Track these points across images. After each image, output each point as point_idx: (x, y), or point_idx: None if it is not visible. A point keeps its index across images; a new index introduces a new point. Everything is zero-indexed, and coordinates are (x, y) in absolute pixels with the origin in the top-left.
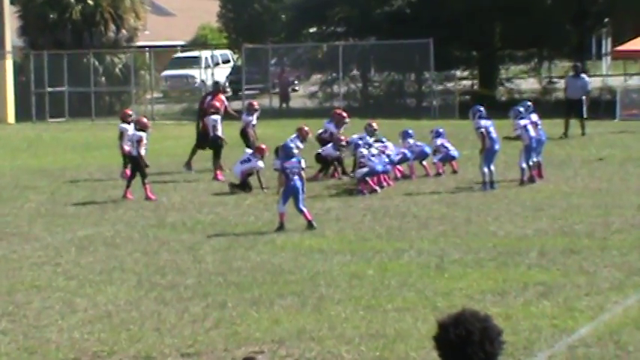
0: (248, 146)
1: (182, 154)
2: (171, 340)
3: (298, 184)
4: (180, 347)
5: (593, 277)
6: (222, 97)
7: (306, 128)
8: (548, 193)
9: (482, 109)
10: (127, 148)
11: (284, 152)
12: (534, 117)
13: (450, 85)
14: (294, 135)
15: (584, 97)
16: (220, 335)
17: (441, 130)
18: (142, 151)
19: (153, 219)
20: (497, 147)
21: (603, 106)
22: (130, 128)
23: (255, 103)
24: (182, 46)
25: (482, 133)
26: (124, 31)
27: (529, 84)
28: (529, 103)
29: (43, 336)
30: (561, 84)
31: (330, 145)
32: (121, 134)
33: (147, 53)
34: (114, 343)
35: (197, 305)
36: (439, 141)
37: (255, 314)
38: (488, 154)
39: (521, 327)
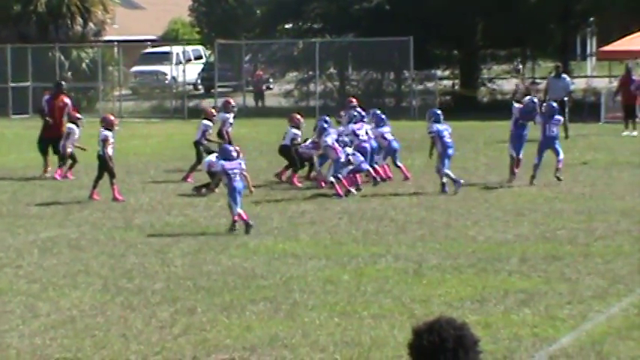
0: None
1: (151, 153)
2: (138, 347)
3: (240, 185)
4: (147, 354)
5: (575, 284)
6: (66, 99)
7: (297, 115)
8: (530, 198)
9: (439, 112)
10: (69, 149)
11: (224, 154)
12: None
13: (430, 84)
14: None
15: (566, 99)
16: (189, 342)
17: (383, 116)
18: (110, 151)
19: (120, 221)
20: (450, 152)
21: (587, 109)
22: (78, 131)
23: (232, 100)
24: (152, 41)
25: (433, 137)
26: (91, 25)
27: (511, 84)
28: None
29: (4, 342)
30: (544, 85)
31: (309, 141)
32: (68, 134)
33: (115, 48)
34: (78, 350)
35: (165, 310)
36: (383, 129)
37: (225, 320)
38: (443, 158)
39: (501, 336)
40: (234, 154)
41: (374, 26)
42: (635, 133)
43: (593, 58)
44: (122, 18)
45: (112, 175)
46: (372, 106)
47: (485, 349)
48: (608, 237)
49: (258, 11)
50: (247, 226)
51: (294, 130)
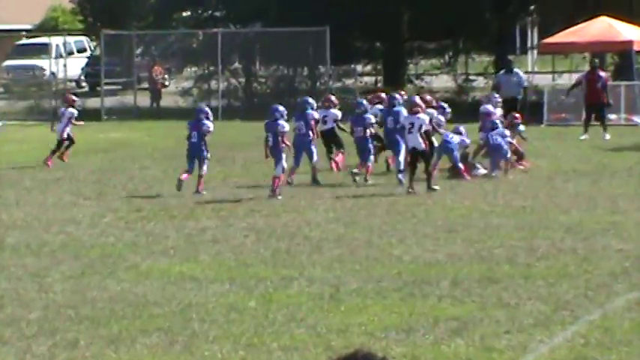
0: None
1: (26, 160)
2: None
3: None
4: None
5: (514, 311)
6: None
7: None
8: (464, 211)
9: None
10: (67, 131)
11: None
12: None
13: (349, 82)
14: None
15: (519, 97)
16: None
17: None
18: None
19: None
20: None
21: (528, 109)
22: (75, 113)
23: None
24: (28, 30)
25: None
26: None
27: (442, 81)
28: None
29: None
30: (479, 82)
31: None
32: (69, 119)
33: None
34: None
35: (42, 344)
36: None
37: (112, 355)
38: None
39: None
40: None
41: (285, 15)
42: (608, 137)
43: (535, 52)
44: None
45: None
46: (284, 105)
47: None
48: (552, 256)
49: None
50: None
51: (334, 111)
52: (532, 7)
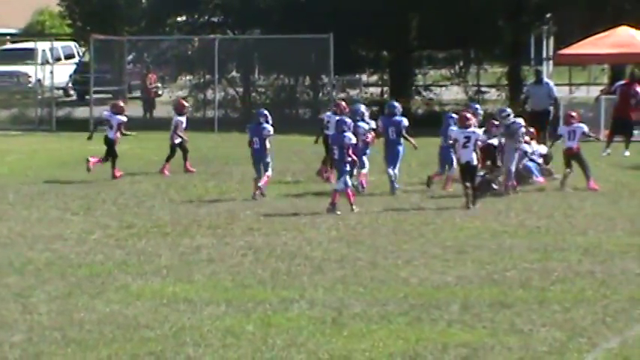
0: None
1: (9, 173)
2: None
3: None
4: None
5: (528, 337)
6: None
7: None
8: (474, 232)
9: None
10: (177, 141)
11: None
12: None
13: (353, 92)
14: None
15: (551, 108)
16: None
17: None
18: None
19: None
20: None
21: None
22: (184, 120)
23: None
24: (12, 34)
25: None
26: None
27: (452, 93)
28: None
29: None
30: (491, 94)
31: None
32: (176, 127)
33: None
34: None
35: None
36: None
37: None
38: None
39: None
40: None
41: (286, 21)
42: (627, 153)
43: (550, 63)
44: None
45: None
46: (284, 117)
47: None
48: (568, 280)
49: (143, 0)
50: None
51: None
52: (548, 16)
